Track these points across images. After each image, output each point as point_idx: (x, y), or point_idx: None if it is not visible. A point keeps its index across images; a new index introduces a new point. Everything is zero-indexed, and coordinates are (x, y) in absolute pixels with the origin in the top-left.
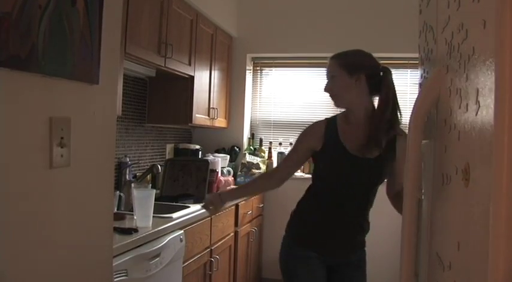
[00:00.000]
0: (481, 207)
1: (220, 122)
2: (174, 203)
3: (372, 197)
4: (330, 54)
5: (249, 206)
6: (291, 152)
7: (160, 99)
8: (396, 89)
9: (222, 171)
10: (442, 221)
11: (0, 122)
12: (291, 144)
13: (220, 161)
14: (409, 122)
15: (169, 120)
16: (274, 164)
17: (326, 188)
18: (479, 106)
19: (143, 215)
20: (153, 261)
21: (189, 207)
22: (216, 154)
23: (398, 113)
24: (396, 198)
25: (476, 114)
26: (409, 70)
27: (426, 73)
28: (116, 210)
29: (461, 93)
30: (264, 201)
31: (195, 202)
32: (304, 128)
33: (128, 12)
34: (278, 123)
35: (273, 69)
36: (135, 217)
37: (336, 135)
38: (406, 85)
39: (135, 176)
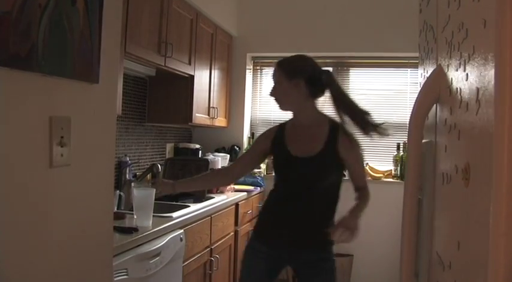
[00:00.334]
0: (481, 207)
1: (220, 122)
2: (174, 203)
3: (320, 195)
4: (329, 54)
5: (249, 205)
6: (248, 151)
7: (160, 99)
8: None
9: None
10: (442, 220)
11: (0, 122)
12: None
13: (220, 160)
14: (409, 122)
15: (169, 120)
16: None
17: (277, 185)
18: (479, 105)
19: (143, 215)
20: (153, 260)
21: (189, 206)
22: (216, 153)
23: (357, 111)
24: (356, 192)
25: (476, 114)
26: (409, 69)
27: (426, 72)
28: (116, 209)
29: (462, 93)
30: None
31: (195, 201)
32: None
33: (127, 11)
34: (278, 122)
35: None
36: (135, 216)
37: (282, 138)
38: (406, 85)
39: (135, 176)
